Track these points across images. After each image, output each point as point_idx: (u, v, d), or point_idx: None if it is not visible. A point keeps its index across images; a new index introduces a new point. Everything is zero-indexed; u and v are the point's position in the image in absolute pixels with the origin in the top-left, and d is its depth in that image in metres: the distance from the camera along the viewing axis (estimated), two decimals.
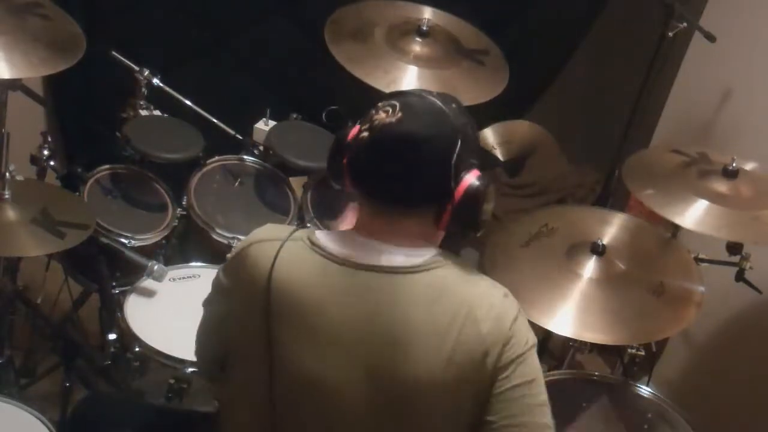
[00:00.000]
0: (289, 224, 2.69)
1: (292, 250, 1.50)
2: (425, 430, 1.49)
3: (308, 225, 2.65)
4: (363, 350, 1.46)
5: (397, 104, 1.46)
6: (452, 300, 1.47)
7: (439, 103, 1.49)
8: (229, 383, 1.61)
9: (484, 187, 1.48)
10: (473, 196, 1.47)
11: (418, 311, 1.45)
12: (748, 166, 2.52)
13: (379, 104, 1.48)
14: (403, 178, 1.46)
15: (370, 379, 1.46)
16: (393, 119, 1.44)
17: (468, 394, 1.47)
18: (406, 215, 1.49)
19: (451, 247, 1.56)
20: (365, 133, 1.46)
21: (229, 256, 1.61)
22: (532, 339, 1.51)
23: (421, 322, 1.45)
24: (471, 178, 1.48)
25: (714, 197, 2.39)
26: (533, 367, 1.50)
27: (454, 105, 1.51)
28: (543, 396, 1.51)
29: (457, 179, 1.47)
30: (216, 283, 1.63)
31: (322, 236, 1.52)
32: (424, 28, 2.72)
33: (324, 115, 2.93)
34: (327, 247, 1.50)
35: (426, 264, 1.48)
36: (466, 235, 1.52)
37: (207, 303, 1.67)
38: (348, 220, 1.68)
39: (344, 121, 1.59)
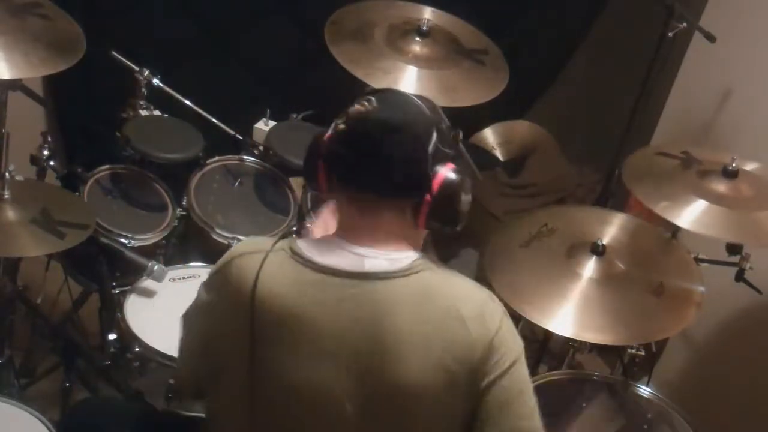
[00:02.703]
0: (288, 224, 2.69)
1: (275, 261, 1.50)
2: None
3: (308, 226, 2.65)
4: (351, 359, 1.45)
5: (373, 98, 1.48)
6: (438, 304, 1.47)
7: (413, 97, 1.52)
8: (214, 398, 1.60)
9: (460, 179, 1.49)
10: (450, 187, 1.48)
11: (404, 317, 1.45)
12: (749, 167, 2.52)
13: (357, 99, 1.50)
14: (380, 164, 1.46)
15: (360, 387, 1.45)
16: (369, 109, 1.47)
17: (459, 400, 1.47)
18: (385, 208, 1.49)
19: (450, 249, 1.56)
20: (342, 126, 1.48)
21: (211, 271, 1.60)
22: (518, 347, 1.51)
23: (409, 328, 1.45)
24: (446, 171, 1.48)
25: (714, 198, 2.39)
26: (521, 378, 1.51)
27: (428, 103, 1.53)
28: (531, 403, 1.52)
29: (434, 171, 1.48)
30: (198, 300, 1.61)
31: (303, 244, 1.52)
32: (424, 28, 2.72)
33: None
34: (309, 256, 1.49)
35: (409, 268, 1.48)
36: (445, 231, 1.52)
37: (188, 321, 1.65)
38: (323, 223, 1.70)
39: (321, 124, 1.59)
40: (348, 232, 1.51)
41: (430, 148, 1.47)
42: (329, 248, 1.50)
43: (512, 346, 1.50)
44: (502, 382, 1.48)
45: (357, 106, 1.48)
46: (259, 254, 1.51)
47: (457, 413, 1.48)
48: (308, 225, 1.78)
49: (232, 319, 1.50)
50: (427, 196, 1.48)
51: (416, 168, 1.47)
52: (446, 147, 1.50)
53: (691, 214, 2.36)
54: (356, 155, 1.47)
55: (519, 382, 1.50)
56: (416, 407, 1.46)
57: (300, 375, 1.46)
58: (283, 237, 1.56)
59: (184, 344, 1.67)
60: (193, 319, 1.63)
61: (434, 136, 1.48)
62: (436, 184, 1.47)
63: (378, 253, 1.49)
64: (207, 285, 1.59)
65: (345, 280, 1.47)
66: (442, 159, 1.49)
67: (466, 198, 1.50)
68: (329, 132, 1.52)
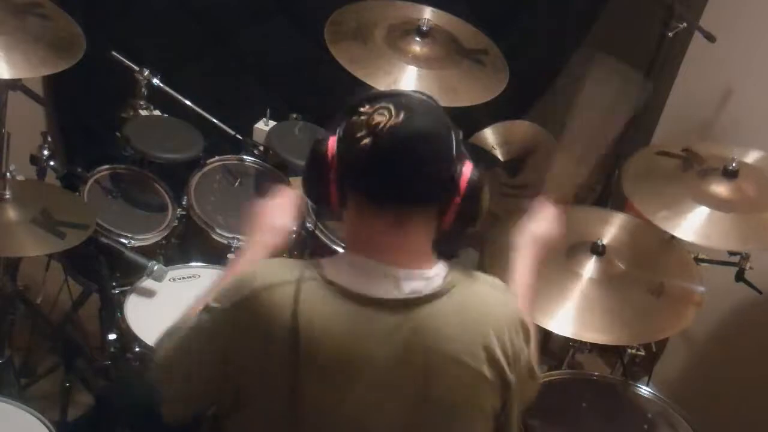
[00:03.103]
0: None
1: (310, 291, 1.43)
2: None
3: (308, 226, 2.65)
4: (398, 385, 1.44)
5: (391, 105, 1.42)
6: (477, 317, 1.48)
7: (427, 98, 1.48)
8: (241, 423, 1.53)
9: (482, 176, 1.48)
10: (476, 186, 1.47)
11: (448, 337, 1.45)
12: (750, 158, 2.50)
13: (366, 109, 1.43)
14: (416, 175, 1.43)
15: (408, 412, 1.45)
16: (398, 120, 1.40)
17: (496, 401, 1.51)
18: (414, 216, 1.46)
19: (449, 248, 1.54)
20: (367, 140, 1.41)
21: (228, 302, 1.48)
22: (527, 342, 1.57)
23: (452, 347, 1.45)
24: (469, 169, 1.47)
25: (715, 203, 2.37)
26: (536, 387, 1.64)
27: (435, 101, 1.50)
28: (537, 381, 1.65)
29: (459, 171, 1.45)
30: (206, 328, 1.49)
31: (333, 270, 1.46)
32: (424, 28, 2.72)
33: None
34: (344, 284, 1.44)
35: (445, 286, 1.47)
36: (465, 230, 1.51)
37: (191, 348, 1.51)
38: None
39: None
40: (375, 251, 1.46)
41: (454, 149, 1.45)
42: (362, 272, 1.45)
43: (523, 345, 1.54)
44: (523, 379, 1.56)
45: (379, 117, 1.41)
46: (288, 285, 1.43)
47: (489, 414, 1.53)
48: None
49: (265, 353, 1.43)
50: (456, 198, 1.46)
51: (446, 172, 1.45)
52: (462, 145, 1.49)
53: (692, 223, 2.34)
54: (390, 169, 1.41)
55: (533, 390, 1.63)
56: (463, 425, 1.49)
57: (349, 408, 1.44)
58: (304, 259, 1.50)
59: (189, 368, 1.53)
60: (199, 347, 1.51)
61: (453, 136, 1.46)
62: (463, 185, 1.46)
63: (411, 272, 1.46)
64: (223, 316, 1.47)
65: (386, 309, 1.44)
66: (463, 158, 1.47)
67: (487, 194, 1.50)
68: (332, 145, 1.46)
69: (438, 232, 1.50)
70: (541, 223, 1.85)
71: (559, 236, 1.85)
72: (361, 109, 1.43)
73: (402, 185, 1.43)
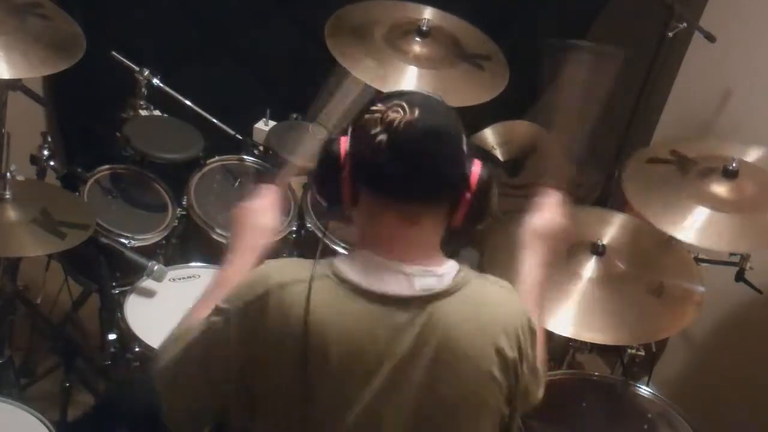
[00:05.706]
0: (288, 224, 2.69)
1: (321, 290, 1.43)
2: None
3: (308, 226, 2.65)
4: (408, 380, 1.44)
5: (404, 103, 1.43)
6: (486, 314, 1.49)
7: (438, 98, 1.50)
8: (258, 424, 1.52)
9: (492, 173, 1.49)
10: (486, 182, 1.49)
11: (459, 334, 1.46)
12: (751, 157, 2.50)
13: (379, 107, 1.44)
14: (431, 173, 1.44)
15: (418, 408, 1.45)
16: (414, 116, 1.42)
17: (502, 403, 1.52)
18: (427, 213, 1.47)
19: (450, 248, 1.55)
20: (382, 136, 1.41)
21: (233, 305, 1.46)
22: (532, 338, 1.56)
23: (463, 344, 1.46)
24: (479, 167, 1.49)
25: (717, 204, 2.36)
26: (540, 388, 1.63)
27: (444, 101, 1.52)
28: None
29: (469, 169, 1.48)
30: (217, 329, 1.46)
31: (346, 267, 1.46)
32: (425, 28, 2.71)
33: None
34: (356, 281, 1.45)
35: (456, 284, 1.48)
36: (473, 228, 1.53)
37: (206, 349, 1.48)
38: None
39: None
40: (385, 247, 1.47)
41: (465, 147, 1.48)
42: (374, 270, 1.46)
43: (529, 346, 1.55)
44: (529, 393, 1.59)
45: (393, 114, 1.42)
46: (300, 284, 1.43)
47: (496, 413, 1.53)
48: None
49: (277, 352, 1.43)
50: (467, 195, 1.47)
51: (459, 169, 1.47)
52: (470, 143, 1.51)
53: (693, 225, 2.33)
54: (405, 166, 1.42)
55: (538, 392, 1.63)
56: (469, 423, 1.49)
57: (360, 406, 1.44)
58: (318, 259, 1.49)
59: (199, 374, 1.50)
60: (208, 351, 1.48)
61: (464, 135, 1.48)
62: (473, 182, 1.48)
63: (423, 269, 1.46)
64: (237, 316, 1.46)
65: (398, 306, 1.44)
66: (471, 156, 1.49)
67: (496, 191, 1.52)
68: (344, 145, 1.47)
69: (447, 229, 1.51)
70: (544, 214, 1.82)
71: (564, 226, 1.82)
72: (374, 108, 1.45)
73: (417, 182, 1.44)
